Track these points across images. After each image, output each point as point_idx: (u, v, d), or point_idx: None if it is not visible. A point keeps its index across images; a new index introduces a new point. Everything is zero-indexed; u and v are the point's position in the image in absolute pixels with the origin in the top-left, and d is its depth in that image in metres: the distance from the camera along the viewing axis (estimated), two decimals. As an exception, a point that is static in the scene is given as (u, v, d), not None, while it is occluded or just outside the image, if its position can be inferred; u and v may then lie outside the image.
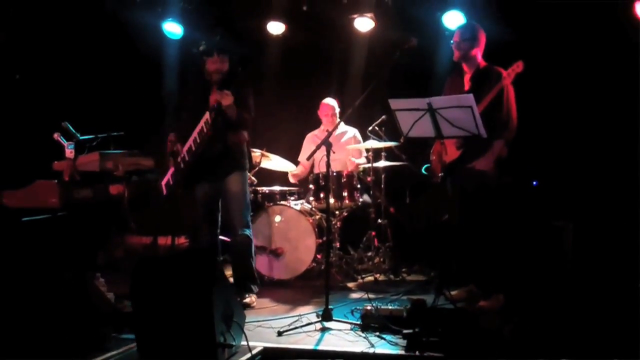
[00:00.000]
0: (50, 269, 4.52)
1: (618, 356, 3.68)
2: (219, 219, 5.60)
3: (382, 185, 6.80)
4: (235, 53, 5.59)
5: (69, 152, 5.32)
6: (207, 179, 5.46)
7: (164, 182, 5.55)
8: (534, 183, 6.46)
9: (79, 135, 5.49)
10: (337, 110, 7.03)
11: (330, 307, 4.70)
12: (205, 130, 5.24)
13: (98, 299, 4.65)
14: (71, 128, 5.46)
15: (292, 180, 7.11)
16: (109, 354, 4.03)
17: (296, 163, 7.20)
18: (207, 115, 5.24)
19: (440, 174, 5.28)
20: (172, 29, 7.50)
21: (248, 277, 5.58)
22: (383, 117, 6.58)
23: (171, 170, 5.45)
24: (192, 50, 5.48)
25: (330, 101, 7.08)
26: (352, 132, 7.16)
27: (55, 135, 5.41)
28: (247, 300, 5.39)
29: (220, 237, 5.88)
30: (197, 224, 5.57)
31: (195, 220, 5.55)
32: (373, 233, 6.70)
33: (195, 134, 5.32)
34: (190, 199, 5.61)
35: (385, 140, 6.56)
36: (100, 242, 5.49)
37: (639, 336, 3.80)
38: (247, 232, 5.53)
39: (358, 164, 6.91)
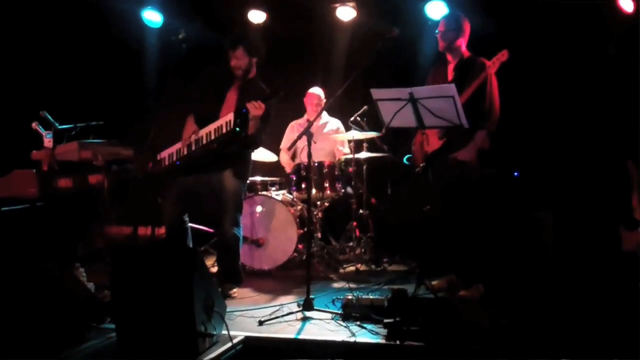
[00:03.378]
0: (29, 259, 4.48)
1: (603, 350, 3.72)
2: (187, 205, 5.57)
3: (364, 176, 6.80)
4: (259, 51, 5.58)
5: (48, 141, 5.25)
6: (202, 171, 5.45)
7: (163, 155, 5.53)
8: (515, 174, 6.49)
9: (57, 124, 5.42)
10: (323, 99, 7.01)
11: (311, 296, 4.71)
12: (224, 130, 5.23)
13: (78, 289, 4.61)
14: (50, 117, 5.39)
15: (288, 170, 7.05)
16: (88, 344, 4.01)
17: (277, 152, 7.17)
18: (230, 116, 5.22)
19: (421, 164, 5.29)
20: (152, 17, 7.44)
21: (233, 273, 5.56)
22: (365, 107, 6.58)
23: (177, 147, 5.46)
24: (172, 38, 5.44)
25: (316, 90, 7.06)
26: (336, 123, 7.14)
27: (34, 125, 5.34)
28: (229, 291, 5.38)
29: (202, 227, 5.84)
30: (164, 201, 5.53)
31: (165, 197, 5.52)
32: (354, 223, 6.71)
33: (212, 128, 5.32)
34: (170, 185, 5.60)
35: (367, 131, 6.55)
36: (80, 232, 5.42)
37: (631, 330, 3.83)
38: (237, 230, 5.49)
39: (345, 153, 6.91)
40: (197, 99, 5.60)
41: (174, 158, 5.45)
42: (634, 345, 3.66)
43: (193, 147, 5.37)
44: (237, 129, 5.11)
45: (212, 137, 5.30)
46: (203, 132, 5.37)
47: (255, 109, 5.12)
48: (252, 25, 7.61)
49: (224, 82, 5.56)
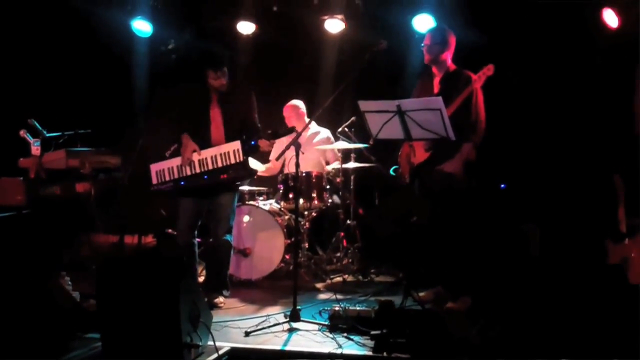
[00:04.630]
0: (15, 267, 4.46)
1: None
2: (199, 223, 5.58)
3: (351, 187, 6.80)
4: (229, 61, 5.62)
5: (35, 149, 5.26)
6: (200, 195, 5.47)
7: (159, 168, 5.47)
8: (502, 186, 6.51)
9: (45, 132, 5.44)
10: (301, 110, 7.02)
11: (298, 307, 4.71)
12: (232, 160, 5.27)
13: (63, 297, 4.60)
14: (37, 125, 5.40)
15: (265, 173, 7.06)
16: (73, 354, 3.99)
17: (265, 162, 7.16)
18: (237, 145, 5.27)
19: (408, 176, 5.31)
20: (141, 27, 7.44)
21: (221, 280, 5.57)
22: (352, 118, 6.59)
23: (175, 162, 5.42)
24: (161, 48, 5.45)
25: (291, 102, 7.07)
26: (326, 133, 7.14)
27: (22, 132, 5.35)
28: (215, 300, 5.37)
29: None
30: (178, 225, 5.54)
31: (177, 221, 5.53)
32: (342, 234, 6.70)
33: (216, 152, 5.32)
34: (169, 199, 5.59)
35: (354, 142, 6.56)
36: (66, 241, 5.42)
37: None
38: (229, 237, 5.52)
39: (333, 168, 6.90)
40: (183, 121, 5.56)
41: (175, 175, 5.42)
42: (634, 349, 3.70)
43: (197, 169, 5.36)
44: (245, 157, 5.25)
45: (219, 163, 5.31)
46: (206, 154, 5.36)
47: (268, 146, 5.33)
48: (241, 36, 7.63)
49: (204, 100, 5.54)
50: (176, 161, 5.42)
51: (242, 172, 5.32)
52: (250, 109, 5.56)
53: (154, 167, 5.47)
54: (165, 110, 5.73)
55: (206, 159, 5.35)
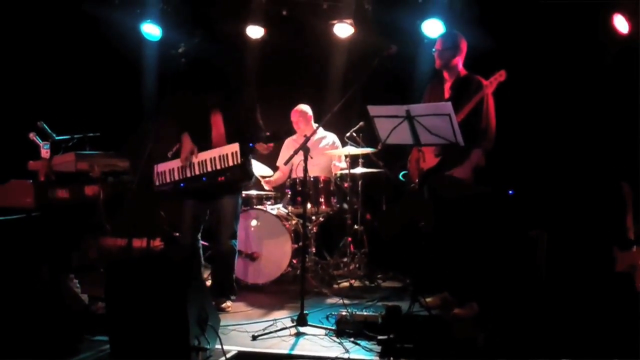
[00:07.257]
0: (24, 269, 4.47)
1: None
2: (201, 225, 5.58)
3: (359, 191, 6.81)
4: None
5: (45, 152, 5.28)
6: (201, 198, 5.48)
7: (162, 169, 5.50)
8: (510, 192, 6.50)
9: (54, 135, 5.46)
10: (309, 114, 7.05)
11: (305, 312, 4.71)
12: (230, 162, 5.27)
13: (71, 300, 4.62)
14: (47, 128, 5.42)
15: (266, 187, 7.08)
16: (81, 356, 3.99)
17: (274, 168, 7.18)
18: (235, 147, 5.27)
19: (417, 181, 5.31)
20: (151, 30, 7.47)
21: (228, 285, 5.59)
22: (361, 123, 6.59)
23: (176, 164, 5.44)
24: (171, 52, 5.47)
25: (298, 107, 7.09)
26: (331, 138, 7.15)
27: (31, 135, 5.37)
28: (222, 304, 5.37)
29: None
30: (181, 227, 5.56)
31: (180, 223, 5.55)
32: (349, 239, 6.71)
33: (215, 154, 5.33)
34: (172, 202, 5.60)
35: (362, 147, 6.57)
36: (75, 243, 5.44)
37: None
38: (234, 242, 5.53)
39: (342, 168, 6.91)
40: (184, 124, 5.58)
41: (176, 177, 5.44)
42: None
43: (196, 170, 5.38)
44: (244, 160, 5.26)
45: (218, 165, 5.31)
46: (205, 155, 5.37)
47: (265, 149, 5.35)
48: (250, 40, 7.65)
49: (204, 105, 5.55)
50: (177, 163, 5.45)
51: (240, 174, 5.32)
52: (252, 109, 5.57)
53: (157, 168, 5.50)
54: (171, 114, 5.74)
55: (205, 161, 5.37)
